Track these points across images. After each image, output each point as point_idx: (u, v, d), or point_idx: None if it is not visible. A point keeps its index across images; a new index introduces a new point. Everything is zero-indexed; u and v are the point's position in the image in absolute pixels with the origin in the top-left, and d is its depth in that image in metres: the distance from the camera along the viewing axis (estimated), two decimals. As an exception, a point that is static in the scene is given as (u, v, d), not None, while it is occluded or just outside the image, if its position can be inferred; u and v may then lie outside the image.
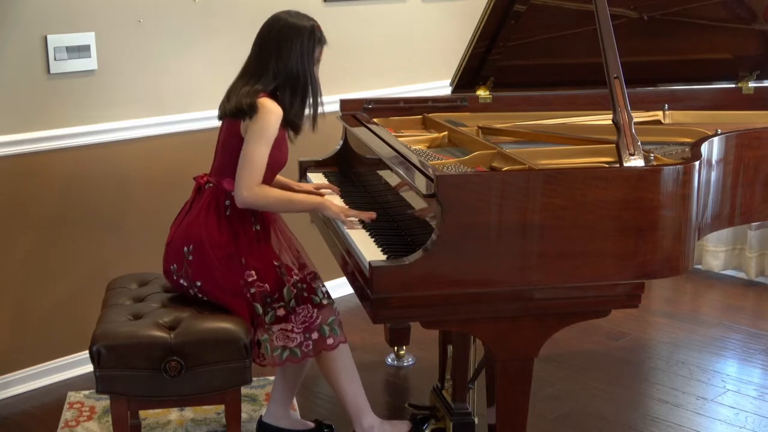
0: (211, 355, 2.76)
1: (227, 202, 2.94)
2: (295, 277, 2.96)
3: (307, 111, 3.02)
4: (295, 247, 3.10)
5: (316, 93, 3.02)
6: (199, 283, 2.93)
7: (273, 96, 2.95)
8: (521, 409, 2.64)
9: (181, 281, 2.97)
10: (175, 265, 2.97)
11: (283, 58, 2.94)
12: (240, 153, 2.89)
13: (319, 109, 3.04)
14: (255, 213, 2.97)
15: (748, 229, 4.91)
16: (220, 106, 3.03)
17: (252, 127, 2.87)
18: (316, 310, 2.92)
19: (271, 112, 2.89)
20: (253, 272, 2.90)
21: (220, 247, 2.91)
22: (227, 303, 2.90)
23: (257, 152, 2.87)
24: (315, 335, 2.92)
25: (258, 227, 2.97)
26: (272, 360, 2.91)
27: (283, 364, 2.95)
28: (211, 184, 2.98)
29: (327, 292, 3.01)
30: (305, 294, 2.93)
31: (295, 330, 2.90)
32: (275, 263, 2.96)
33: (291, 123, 2.99)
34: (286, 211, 3.09)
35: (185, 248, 2.94)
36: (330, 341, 2.95)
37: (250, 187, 2.87)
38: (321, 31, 3.03)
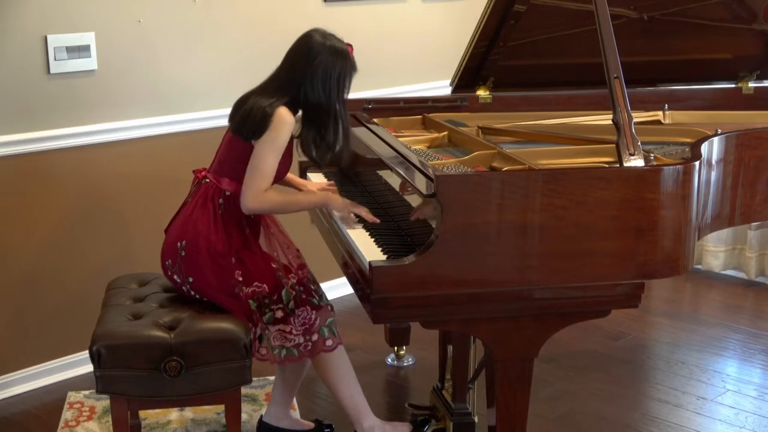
0: (211, 355, 2.76)
1: (221, 201, 2.92)
2: (292, 279, 2.95)
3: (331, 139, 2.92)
4: (294, 248, 3.09)
5: (347, 126, 2.94)
6: (191, 279, 2.92)
7: (289, 105, 2.87)
8: (521, 409, 2.64)
9: (175, 277, 2.96)
10: (169, 261, 2.96)
11: (314, 85, 2.85)
12: (240, 155, 2.87)
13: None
14: (247, 216, 2.95)
15: (748, 229, 4.90)
16: (230, 115, 2.96)
17: (264, 136, 2.82)
18: (314, 312, 2.92)
19: (285, 122, 2.83)
20: (241, 272, 2.89)
21: (211, 244, 2.89)
22: (220, 301, 2.90)
23: (267, 161, 2.83)
24: (315, 336, 2.92)
25: (248, 230, 2.95)
26: (272, 357, 2.92)
27: (283, 362, 2.95)
28: (208, 180, 2.96)
29: (323, 294, 3.01)
30: (303, 296, 2.93)
31: (294, 332, 2.90)
32: (273, 265, 2.95)
33: (313, 159, 2.93)
34: (292, 211, 3.07)
35: (178, 244, 2.93)
36: (329, 342, 2.95)
37: (256, 195, 2.84)
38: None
